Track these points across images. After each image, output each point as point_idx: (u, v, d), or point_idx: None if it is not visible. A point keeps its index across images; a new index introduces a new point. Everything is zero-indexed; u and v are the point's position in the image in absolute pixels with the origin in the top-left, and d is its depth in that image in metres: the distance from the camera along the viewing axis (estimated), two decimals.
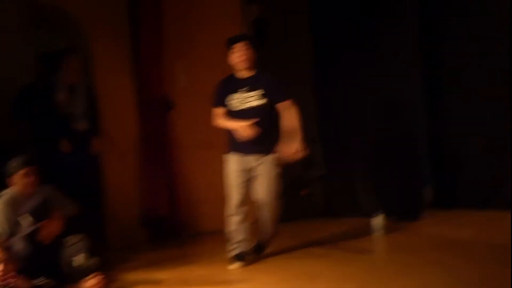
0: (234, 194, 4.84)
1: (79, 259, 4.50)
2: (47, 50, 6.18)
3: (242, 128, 4.67)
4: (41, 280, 4.02)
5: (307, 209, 7.00)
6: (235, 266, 4.84)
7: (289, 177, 7.53)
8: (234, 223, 4.89)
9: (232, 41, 4.87)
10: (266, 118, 4.79)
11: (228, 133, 4.86)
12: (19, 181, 4.56)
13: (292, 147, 4.69)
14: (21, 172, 4.56)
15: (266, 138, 4.78)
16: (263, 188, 4.88)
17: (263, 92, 4.80)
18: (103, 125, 5.96)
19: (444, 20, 6.89)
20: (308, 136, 7.43)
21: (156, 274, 4.82)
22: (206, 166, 6.41)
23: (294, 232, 6.26)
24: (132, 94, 6.15)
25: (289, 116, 4.79)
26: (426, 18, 6.89)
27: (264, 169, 4.84)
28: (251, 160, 4.82)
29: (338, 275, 4.43)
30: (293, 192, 6.96)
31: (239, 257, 4.88)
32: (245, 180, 4.85)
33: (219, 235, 6.17)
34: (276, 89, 4.84)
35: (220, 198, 6.33)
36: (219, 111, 4.88)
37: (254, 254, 5.05)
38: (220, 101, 4.86)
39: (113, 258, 5.35)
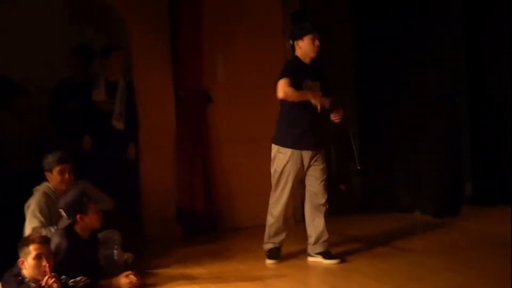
0: (285, 189, 4.80)
1: (114, 255, 4.51)
2: (87, 44, 6.18)
3: (316, 96, 4.62)
4: (80, 280, 3.98)
5: (346, 204, 6.86)
6: (271, 262, 4.81)
7: (328, 171, 7.51)
8: (279, 217, 4.84)
9: (313, 30, 4.75)
10: (321, 111, 4.76)
11: (283, 126, 4.81)
12: (54, 178, 4.55)
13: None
14: (57, 168, 4.54)
15: (321, 131, 4.82)
16: (321, 183, 4.86)
17: (320, 85, 4.81)
18: (142, 121, 5.93)
19: (489, 20, 6.71)
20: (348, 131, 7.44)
21: (192, 269, 4.79)
22: (243, 161, 6.35)
23: (333, 227, 6.15)
24: (171, 89, 6.08)
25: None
26: (471, 18, 6.75)
27: (319, 164, 4.83)
28: (305, 155, 4.76)
29: (374, 271, 4.33)
30: (333, 187, 6.87)
31: (275, 254, 4.84)
32: (297, 176, 4.80)
33: (254, 230, 6.13)
34: (327, 82, 4.92)
35: (257, 193, 6.30)
36: (287, 81, 4.63)
37: (329, 258, 4.85)
38: (291, 75, 4.66)
39: (150, 254, 5.34)
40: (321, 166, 4.84)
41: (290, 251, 5.27)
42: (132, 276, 4.23)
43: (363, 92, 7.04)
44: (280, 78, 4.64)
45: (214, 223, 6.13)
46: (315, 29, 4.74)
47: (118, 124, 5.66)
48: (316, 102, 4.61)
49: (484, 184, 6.84)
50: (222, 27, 6.28)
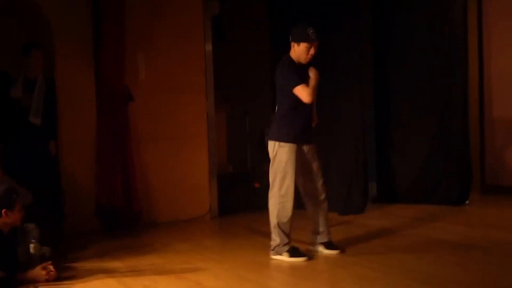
0: (290, 183, 4.64)
1: (32, 248, 4.42)
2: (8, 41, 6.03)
3: (318, 76, 4.59)
4: None
5: (259, 201, 6.98)
6: (302, 259, 4.61)
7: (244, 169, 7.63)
8: (289, 212, 4.65)
9: (311, 39, 4.58)
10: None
11: (283, 122, 4.69)
12: None
13: None
14: None
15: (312, 127, 4.80)
16: (320, 173, 4.77)
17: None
18: (63, 117, 5.86)
19: (392, 28, 7.13)
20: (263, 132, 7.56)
21: (109, 263, 4.74)
22: (162, 158, 6.36)
23: (247, 222, 6.28)
24: (93, 86, 6.03)
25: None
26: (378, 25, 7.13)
27: (315, 157, 4.76)
28: (304, 149, 4.71)
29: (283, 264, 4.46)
30: (247, 185, 7.01)
31: (298, 252, 4.67)
32: (299, 168, 4.69)
33: (172, 225, 6.18)
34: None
35: (174, 189, 6.36)
36: (304, 86, 4.55)
37: (332, 250, 4.79)
38: (299, 79, 4.56)
39: (68, 247, 5.26)
40: (318, 162, 4.76)
41: (206, 245, 5.36)
42: (49, 267, 4.18)
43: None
44: (295, 85, 4.55)
45: (133, 218, 6.09)
46: (314, 39, 4.58)
47: (35, 120, 5.56)
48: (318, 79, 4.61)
49: (386, 184, 7.23)
50: (144, 28, 6.26)
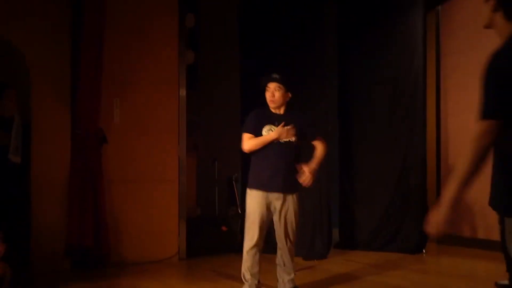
0: (256, 230, 4.43)
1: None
2: None
3: (280, 132, 4.40)
4: None
5: (226, 244, 6.97)
6: None
7: (211, 213, 7.61)
8: (252, 258, 4.48)
9: (267, 80, 4.56)
10: (293, 155, 4.51)
11: (252, 168, 4.53)
12: None
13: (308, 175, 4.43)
14: None
15: (291, 176, 4.46)
16: (290, 226, 4.52)
17: (295, 130, 4.51)
18: (37, 157, 5.78)
19: (357, 67, 7.32)
20: (231, 176, 7.58)
21: None
22: (132, 200, 6.30)
23: (211, 265, 6.23)
24: (69, 128, 5.97)
25: (320, 149, 4.64)
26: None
27: (289, 208, 4.49)
28: (275, 197, 4.47)
29: None
30: (215, 229, 6.97)
31: None
32: (267, 218, 4.49)
33: (141, 266, 6.07)
34: (309, 127, 4.66)
35: (144, 231, 6.29)
36: (248, 136, 4.50)
37: None
38: (252, 129, 4.49)
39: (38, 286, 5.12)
40: (291, 210, 4.50)
41: (174, 286, 5.28)
42: None
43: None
44: (243, 131, 4.53)
45: (102, 258, 5.96)
46: (272, 78, 4.52)
47: (15, 158, 5.48)
48: (282, 135, 4.42)
49: (349, 231, 7.30)
50: (121, 73, 6.27)
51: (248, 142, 4.47)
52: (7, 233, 4.92)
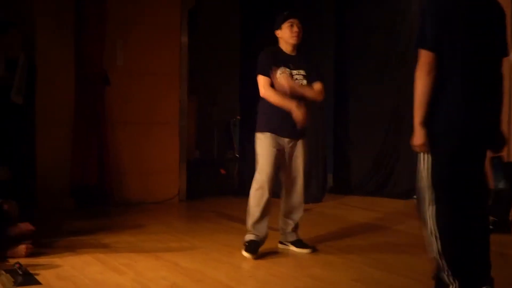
0: (268, 169, 4.11)
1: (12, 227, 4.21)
2: None
3: (298, 111, 4.02)
4: None
5: (224, 186, 6.92)
6: (248, 255, 4.12)
7: (210, 156, 7.53)
8: (261, 198, 4.14)
9: (290, 16, 4.14)
10: (302, 100, 4.14)
11: (261, 113, 4.19)
12: None
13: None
14: None
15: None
16: (299, 169, 4.26)
17: (305, 73, 4.18)
18: (41, 97, 5.61)
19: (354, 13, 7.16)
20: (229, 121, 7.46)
21: (85, 240, 4.55)
22: (135, 141, 6.18)
23: (212, 207, 6.19)
24: (73, 69, 5.77)
25: (315, 88, 4.22)
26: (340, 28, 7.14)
27: (299, 151, 4.23)
28: (285, 142, 4.19)
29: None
30: (213, 171, 6.91)
31: (253, 248, 4.16)
32: (278, 160, 4.18)
33: (144, 206, 6.01)
34: (313, 70, 4.26)
35: (146, 171, 6.21)
36: (267, 81, 4.09)
37: (302, 248, 4.33)
38: (269, 71, 4.08)
39: (42, 224, 5.03)
40: (300, 158, 4.24)
41: (177, 227, 5.24)
42: (27, 244, 3.99)
43: (246, 87, 7.09)
44: (258, 73, 4.11)
45: (106, 198, 5.88)
46: (292, 15, 4.12)
47: (17, 99, 5.30)
48: (299, 117, 4.05)
49: (342, 177, 7.29)
50: (124, 16, 6.05)
51: (270, 93, 4.06)
52: (13, 171, 4.83)
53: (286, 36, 4.15)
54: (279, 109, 4.12)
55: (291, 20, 4.14)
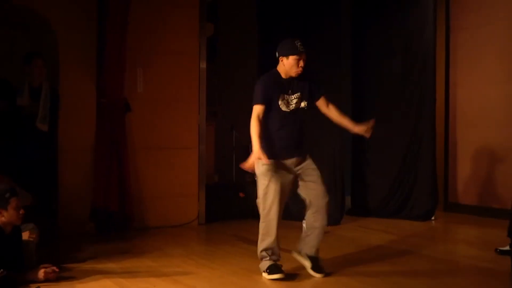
0: (276, 201, 4.06)
1: (31, 248, 4.19)
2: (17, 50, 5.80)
3: (253, 158, 3.99)
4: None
5: (244, 209, 6.83)
6: (277, 276, 4.09)
7: (229, 180, 7.45)
8: (275, 228, 4.10)
9: (301, 51, 4.10)
10: (303, 122, 4.22)
11: (265, 139, 4.10)
12: None
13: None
14: None
15: (303, 141, 4.22)
16: (319, 187, 4.17)
17: (302, 95, 4.17)
18: (64, 124, 5.64)
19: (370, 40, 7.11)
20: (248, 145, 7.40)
21: (104, 264, 4.52)
22: (154, 167, 6.15)
23: (231, 230, 6.11)
24: (94, 96, 5.82)
25: (332, 108, 4.24)
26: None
27: (311, 170, 4.18)
28: (289, 164, 4.14)
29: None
30: (232, 195, 6.83)
31: (278, 269, 4.14)
32: (284, 185, 4.13)
33: (163, 230, 5.96)
34: (315, 86, 4.23)
35: (165, 196, 6.16)
36: (260, 108, 4.07)
37: (320, 272, 4.22)
38: (263, 100, 4.07)
39: (63, 249, 5.01)
40: (311, 167, 4.17)
41: (196, 251, 5.16)
42: (49, 268, 3.96)
43: None
44: (254, 103, 4.09)
45: (125, 223, 5.84)
46: (303, 51, 4.07)
47: (43, 127, 5.33)
48: (248, 165, 4.06)
49: (360, 199, 7.15)
50: (144, 44, 6.08)
51: (253, 126, 4.06)
52: (36, 196, 4.82)
53: (291, 68, 4.11)
54: (279, 136, 4.11)
55: (301, 54, 4.09)
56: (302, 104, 4.19)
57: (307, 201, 4.25)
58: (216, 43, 6.97)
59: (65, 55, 5.72)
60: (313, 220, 4.23)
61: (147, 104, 6.10)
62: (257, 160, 4.00)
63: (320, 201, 4.18)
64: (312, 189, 4.20)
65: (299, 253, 4.32)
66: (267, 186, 4.11)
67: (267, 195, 4.11)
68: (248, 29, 7.42)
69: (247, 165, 4.09)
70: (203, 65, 6.49)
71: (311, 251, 4.28)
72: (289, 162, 4.16)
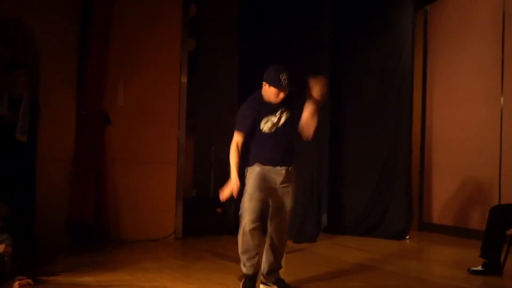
0: (255, 207, 4.01)
1: (5, 259, 4.17)
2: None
3: (229, 187, 4.02)
4: None
5: (221, 225, 6.89)
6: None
7: (207, 196, 7.49)
8: (252, 236, 4.05)
9: (282, 88, 4.02)
10: (291, 135, 4.16)
11: (252, 146, 4.12)
12: None
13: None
14: None
15: (290, 152, 4.19)
16: (288, 201, 4.17)
17: (286, 108, 4.13)
18: (43, 134, 5.65)
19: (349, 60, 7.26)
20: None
21: (80, 277, 4.49)
22: (132, 180, 6.18)
23: (207, 245, 6.15)
24: (74, 108, 5.84)
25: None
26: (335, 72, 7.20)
27: (288, 183, 4.15)
28: (273, 172, 4.10)
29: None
30: (210, 210, 6.88)
31: (252, 280, 4.15)
32: (266, 195, 4.10)
33: (139, 244, 5.97)
34: (296, 98, 4.15)
35: (142, 210, 6.19)
36: (240, 136, 4.08)
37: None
38: (244, 126, 4.08)
39: (39, 260, 4.99)
40: (290, 189, 4.16)
41: (172, 265, 5.19)
42: (24, 282, 3.96)
43: None
44: (235, 129, 4.08)
45: (102, 235, 5.84)
46: (284, 87, 4.00)
47: (22, 137, 5.33)
48: (224, 193, 4.07)
49: (336, 217, 7.26)
50: (126, 58, 6.14)
51: (232, 153, 4.07)
52: (13, 208, 4.81)
53: (271, 97, 4.07)
54: (266, 150, 4.10)
55: (281, 90, 4.03)
56: (286, 116, 4.15)
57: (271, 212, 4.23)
58: (197, 57, 7.05)
59: (47, 66, 5.75)
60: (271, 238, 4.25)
61: (127, 117, 6.14)
62: (235, 189, 4.02)
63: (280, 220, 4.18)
64: (278, 203, 4.17)
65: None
66: (253, 188, 4.06)
67: (249, 198, 4.05)
68: (228, 45, 7.55)
69: (223, 195, 4.09)
70: (184, 79, 6.56)
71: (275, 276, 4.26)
72: (272, 170, 4.12)
